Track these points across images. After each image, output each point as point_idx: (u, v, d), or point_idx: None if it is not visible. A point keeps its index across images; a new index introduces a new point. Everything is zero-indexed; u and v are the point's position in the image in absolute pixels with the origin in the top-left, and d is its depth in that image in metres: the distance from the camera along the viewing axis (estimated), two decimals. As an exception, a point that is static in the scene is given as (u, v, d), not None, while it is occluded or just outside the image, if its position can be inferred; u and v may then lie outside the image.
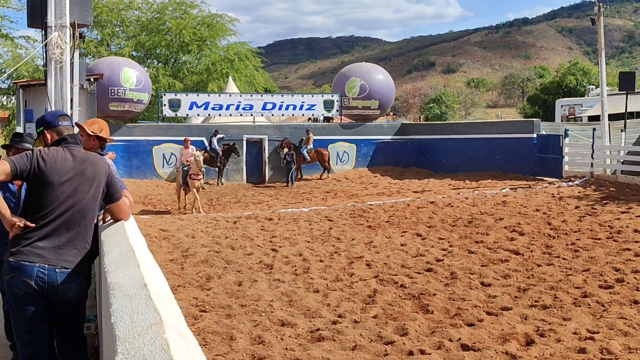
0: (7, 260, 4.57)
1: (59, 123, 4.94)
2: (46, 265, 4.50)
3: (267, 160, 30.66)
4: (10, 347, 6.58)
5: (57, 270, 4.53)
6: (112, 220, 5.08)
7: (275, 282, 10.23)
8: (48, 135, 4.94)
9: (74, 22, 10.99)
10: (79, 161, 4.70)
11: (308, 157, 29.55)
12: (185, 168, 20.89)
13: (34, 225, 4.54)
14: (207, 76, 44.11)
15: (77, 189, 4.64)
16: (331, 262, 11.79)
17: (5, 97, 45.08)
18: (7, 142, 6.92)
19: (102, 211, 5.27)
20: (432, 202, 19.17)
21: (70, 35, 10.89)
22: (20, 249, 4.51)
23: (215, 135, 28.95)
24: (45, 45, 10.73)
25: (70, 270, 4.58)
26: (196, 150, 21.82)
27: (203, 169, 20.95)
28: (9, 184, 6.21)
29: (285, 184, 28.60)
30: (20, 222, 4.53)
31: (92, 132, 5.69)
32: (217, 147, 28.75)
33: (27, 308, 4.58)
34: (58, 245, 4.56)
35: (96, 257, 5.06)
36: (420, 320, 8.12)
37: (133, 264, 3.29)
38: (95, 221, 5.00)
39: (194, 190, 20.55)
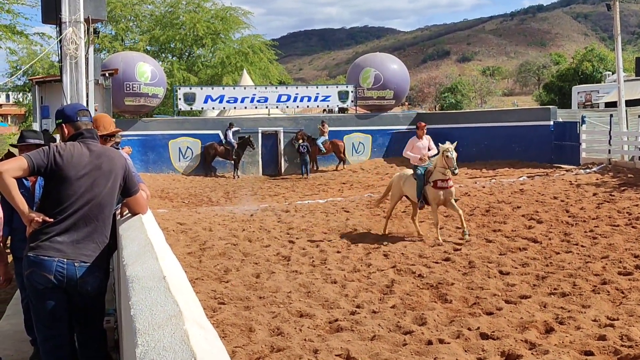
0: (26, 255, 4.59)
1: (78, 118, 4.94)
2: (65, 260, 4.51)
3: (282, 152, 30.69)
4: (31, 342, 6.63)
5: (75, 264, 4.54)
6: (130, 214, 5.09)
7: (292, 274, 10.25)
8: (66, 130, 4.96)
9: (88, 17, 11.03)
10: (95, 155, 4.71)
11: (323, 149, 29.54)
12: (421, 170, 13.26)
13: (52, 220, 4.56)
14: (222, 69, 44.14)
15: (94, 184, 4.65)
16: (348, 253, 11.81)
17: (21, 94, 45.36)
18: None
19: (120, 205, 5.28)
20: (448, 192, 19.11)
21: (84, 31, 10.93)
22: (39, 243, 4.53)
23: (230, 128, 29.01)
24: (60, 41, 10.78)
25: (89, 264, 4.59)
26: (447, 142, 12.88)
27: (456, 169, 12.71)
28: (24, 180, 6.24)
29: (300, 176, 28.63)
30: (38, 217, 4.55)
31: None
32: (233, 140, 28.80)
33: (46, 302, 4.60)
34: (77, 239, 4.57)
35: (115, 251, 5.08)
36: (439, 309, 8.12)
37: (152, 256, 3.30)
38: (113, 215, 5.02)
39: (451, 205, 13.15)
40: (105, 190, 4.69)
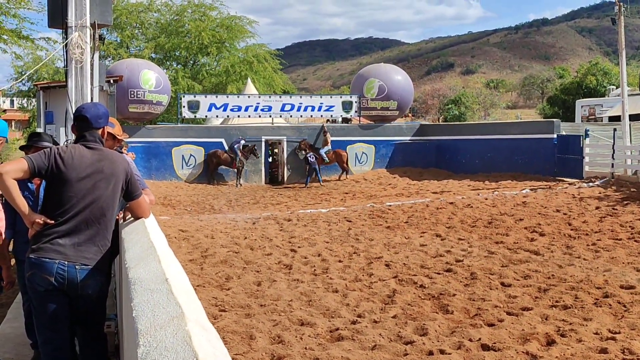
0: (28, 256, 4.60)
1: (75, 123, 4.95)
2: (66, 262, 4.51)
3: (285, 161, 30.77)
4: (31, 345, 6.63)
5: (77, 267, 4.54)
6: (132, 218, 5.09)
7: (294, 282, 10.22)
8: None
9: (94, 22, 11.06)
10: (96, 158, 4.71)
11: (326, 158, 29.59)
12: None
13: (53, 222, 4.56)
14: (226, 78, 44.24)
15: (96, 186, 4.64)
16: (350, 262, 11.77)
17: (25, 100, 45.48)
18: (25, 143, 6.95)
19: (123, 209, 5.29)
20: (451, 203, 19.11)
21: (90, 36, 10.96)
22: (41, 245, 4.53)
23: (240, 141, 29.05)
24: (66, 45, 10.81)
25: (90, 267, 4.59)
26: None
27: None
28: (28, 183, 6.24)
29: (304, 185, 28.72)
30: (39, 219, 4.56)
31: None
32: (237, 148, 28.82)
33: (47, 305, 4.60)
34: (78, 242, 4.57)
35: (116, 256, 5.07)
36: (440, 320, 8.09)
37: (154, 259, 3.29)
38: (116, 219, 5.02)
39: None
40: (106, 193, 4.68)
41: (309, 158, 28.81)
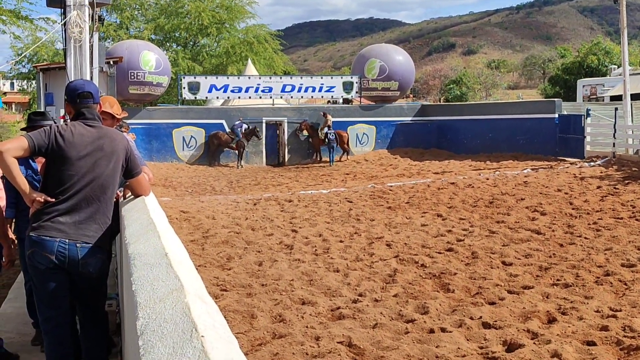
0: (28, 234, 4.59)
1: (78, 101, 4.89)
2: (67, 240, 4.51)
3: (286, 142, 30.73)
4: (33, 324, 6.64)
5: (77, 245, 4.53)
6: (132, 196, 5.08)
7: (295, 262, 10.22)
8: (67, 109, 4.95)
9: (93, 0, 11.00)
10: (97, 136, 4.69)
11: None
12: None
13: (54, 200, 4.55)
14: (226, 59, 44.11)
15: (96, 164, 4.63)
16: (351, 242, 11.77)
17: (25, 82, 45.37)
18: (26, 125, 6.90)
19: (123, 187, 5.27)
20: (452, 183, 19.10)
21: (89, 15, 10.89)
22: (41, 223, 4.52)
23: (242, 125, 29.02)
24: (65, 24, 10.75)
25: (91, 245, 4.58)
26: None
27: None
28: (31, 162, 6.22)
29: (329, 164, 28.80)
30: (40, 197, 4.54)
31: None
32: (238, 130, 28.79)
33: (48, 283, 4.60)
34: (79, 220, 4.56)
35: (117, 234, 5.06)
36: (441, 299, 8.09)
37: (154, 235, 3.29)
38: (116, 197, 5.00)
39: None
40: (107, 171, 4.67)
41: (329, 136, 28.90)
